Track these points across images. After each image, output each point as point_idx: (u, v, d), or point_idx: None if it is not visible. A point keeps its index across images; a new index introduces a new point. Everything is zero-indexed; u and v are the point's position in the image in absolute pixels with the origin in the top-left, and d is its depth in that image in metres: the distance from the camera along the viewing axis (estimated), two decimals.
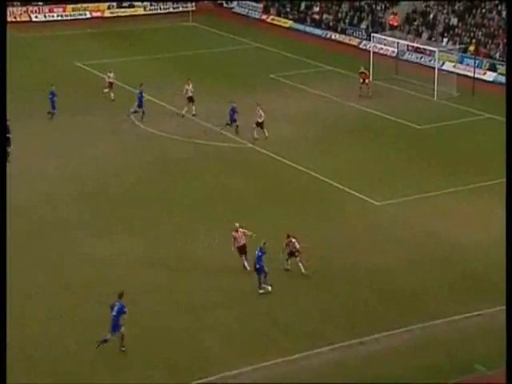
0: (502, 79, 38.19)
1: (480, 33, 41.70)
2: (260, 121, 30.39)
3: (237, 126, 30.86)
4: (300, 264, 20.28)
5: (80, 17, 54.80)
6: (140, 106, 32.44)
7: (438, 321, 18.16)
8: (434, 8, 45.61)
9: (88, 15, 55.15)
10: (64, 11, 54.93)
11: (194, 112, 33.19)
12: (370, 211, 24.36)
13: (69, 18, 54.44)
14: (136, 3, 56.62)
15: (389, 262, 21.08)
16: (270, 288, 19.37)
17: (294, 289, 19.86)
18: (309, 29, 50.15)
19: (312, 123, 32.83)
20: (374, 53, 39.31)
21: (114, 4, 56.30)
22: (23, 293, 19.20)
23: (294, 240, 20.39)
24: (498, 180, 26.13)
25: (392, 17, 45.97)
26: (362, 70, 36.58)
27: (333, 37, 48.27)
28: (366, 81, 36.11)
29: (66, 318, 18.25)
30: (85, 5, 55.27)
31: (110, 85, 35.39)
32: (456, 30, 42.93)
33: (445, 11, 44.79)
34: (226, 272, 20.29)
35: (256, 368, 16.49)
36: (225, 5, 57.97)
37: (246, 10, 55.80)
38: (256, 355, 16.92)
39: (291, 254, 20.47)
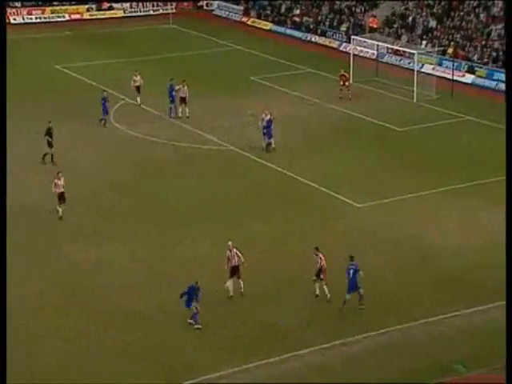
0: (480, 81, 38.69)
1: (458, 35, 42.16)
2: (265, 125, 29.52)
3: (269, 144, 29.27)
4: (325, 287, 19.16)
5: (59, 19, 54.50)
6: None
7: (417, 322, 18.37)
8: (413, 11, 46.03)
9: (67, 17, 54.88)
10: (43, 13, 54.61)
11: (187, 114, 33.24)
12: (351, 213, 24.56)
13: (47, 20, 54.11)
14: (115, 5, 56.45)
15: (369, 264, 21.23)
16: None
17: (276, 292, 19.96)
18: (289, 31, 50.35)
19: (293, 125, 32.98)
20: (354, 55, 39.55)
21: (94, 6, 56.08)
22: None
23: (321, 256, 19.18)
24: (478, 181, 26.51)
25: (372, 19, 46.31)
26: (342, 72, 36.82)
27: (313, 39, 48.51)
28: (347, 83, 36.35)
29: (49, 323, 18.20)
30: (64, 7, 55.00)
31: (137, 89, 34.23)
32: (435, 32, 43.37)
33: (424, 14, 45.22)
34: (211, 276, 20.34)
35: (239, 370, 16.56)
36: (205, 7, 57.97)
37: (227, 13, 55.87)
38: (239, 358, 17.01)
39: (318, 276, 19.22)
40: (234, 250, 19.41)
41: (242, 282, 19.42)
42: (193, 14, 56.43)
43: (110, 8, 56.38)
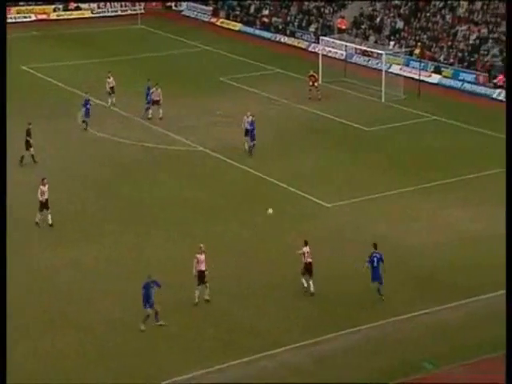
0: (446, 81, 39.19)
1: (425, 36, 42.63)
2: (248, 128, 29.34)
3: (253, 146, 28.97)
4: (311, 282, 19.22)
5: (25, 19, 53.74)
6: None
7: (388, 320, 18.47)
8: (381, 12, 46.40)
9: (33, 18, 54.14)
10: (8, 13, 53.76)
11: (160, 116, 32.98)
12: (320, 213, 24.63)
13: (13, 20, 53.27)
14: (83, 5, 55.86)
15: (339, 263, 21.34)
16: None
17: (247, 292, 19.93)
18: (258, 32, 50.37)
19: (262, 126, 32.89)
20: (322, 55, 39.73)
21: (60, 7, 55.42)
22: None
23: (306, 251, 19.19)
24: (446, 180, 26.82)
25: (340, 20, 46.55)
26: (312, 72, 36.95)
27: (282, 40, 48.60)
28: (316, 83, 36.49)
29: (27, 328, 17.98)
30: (30, 7, 54.25)
31: (111, 90, 33.92)
32: (402, 33, 43.77)
33: (391, 15, 45.61)
34: (180, 277, 20.21)
35: (210, 371, 16.49)
36: (174, 8, 57.71)
37: (195, 13, 55.68)
38: (210, 358, 16.93)
39: (308, 270, 19.23)
40: (204, 254, 19.08)
41: (207, 289, 19.16)
42: (161, 14, 56.13)
43: (78, 8, 55.77)
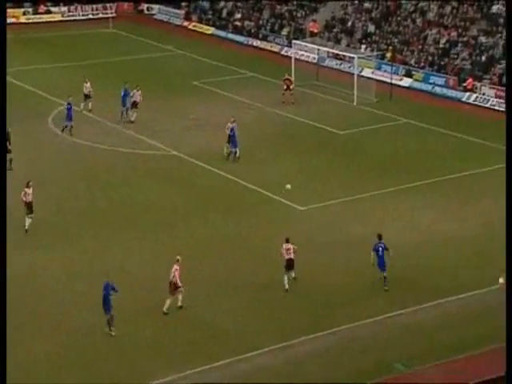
0: (418, 85, 39.73)
1: (396, 40, 43.16)
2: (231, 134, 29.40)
3: (235, 153, 28.91)
4: (292, 275, 19.89)
5: None
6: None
7: (362, 321, 18.73)
8: (352, 15, 46.87)
9: None
10: None
11: (132, 119, 33.23)
12: (294, 216, 24.85)
13: None
14: (53, 9, 55.46)
15: (313, 265, 21.57)
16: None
17: (220, 295, 20.04)
18: (231, 35, 50.53)
19: (237, 130, 33.12)
20: (295, 59, 40.03)
21: (30, 10, 54.97)
22: None
23: (292, 247, 19.91)
24: (418, 182, 27.22)
25: (312, 24, 46.90)
26: (287, 76, 37.17)
27: (254, 43, 48.82)
28: (291, 87, 36.69)
29: None
30: None
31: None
32: (373, 37, 44.27)
33: (362, 19, 46.10)
34: (150, 281, 20.27)
35: (185, 375, 16.56)
36: (146, 11, 57.58)
37: (168, 17, 55.65)
38: (184, 363, 17.00)
39: (289, 267, 19.85)
40: (177, 266, 18.95)
41: (180, 297, 19.12)
42: (133, 18, 55.98)
43: (48, 12, 55.36)
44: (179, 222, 24.30)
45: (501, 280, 19.50)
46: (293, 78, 37.34)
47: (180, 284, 18.93)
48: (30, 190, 23.17)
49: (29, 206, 23.08)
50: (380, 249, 20.49)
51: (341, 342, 17.99)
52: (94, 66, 42.82)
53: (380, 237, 20.76)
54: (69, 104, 31.52)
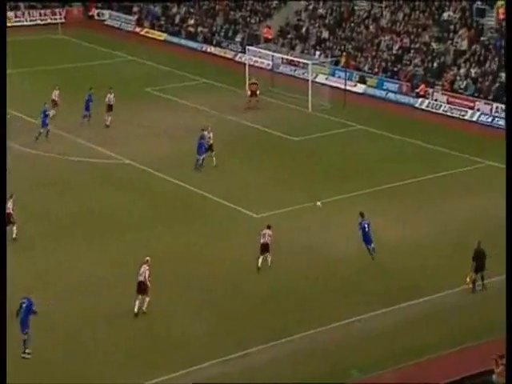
0: (371, 91, 40.44)
1: (350, 46, 43.84)
2: (210, 143, 29.52)
3: (203, 160, 29.07)
4: (269, 259, 21.70)
5: None
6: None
7: (319, 329, 18.96)
8: (306, 21, 47.46)
9: None
10: None
11: (107, 123, 33.43)
12: (248, 224, 25.02)
13: None
14: None
15: (270, 274, 21.77)
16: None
17: (178, 305, 20.07)
18: (184, 42, 50.60)
19: (191, 138, 33.13)
20: (249, 65, 40.32)
21: None
22: None
23: (269, 233, 21.64)
24: (372, 189, 27.67)
25: (266, 30, 47.28)
26: (253, 80, 37.30)
27: (208, 50, 49.00)
28: (258, 91, 36.83)
29: None
30: None
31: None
32: (327, 43, 44.90)
33: (316, 25, 46.72)
34: (106, 291, 20.16)
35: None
36: (96, 17, 57.19)
37: (119, 23, 55.39)
38: (138, 374, 16.97)
39: (265, 249, 21.56)
40: (147, 267, 19.43)
41: (147, 300, 19.40)
42: (83, 23, 55.50)
43: None
44: (134, 230, 24.22)
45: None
46: (258, 83, 37.02)
47: (149, 285, 19.24)
48: (9, 203, 23.19)
49: (8, 218, 23.07)
50: (366, 225, 22.29)
51: (298, 349, 18.18)
52: (43, 74, 42.35)
53: (362, 214, 22.51)
54: (45, 110, 31.86)
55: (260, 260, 21.71)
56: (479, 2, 41.07)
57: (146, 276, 19.28)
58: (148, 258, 19.72)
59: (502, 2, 39.54)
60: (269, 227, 21.98)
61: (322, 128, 34.78)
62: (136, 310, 19.25)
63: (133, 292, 19.52)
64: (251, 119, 35.61)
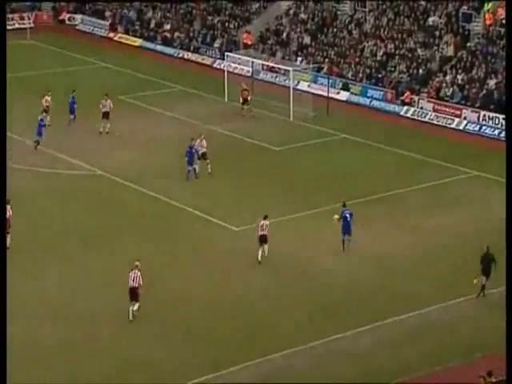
0: (355, 99, 40.77)
1: (332, 52, 44.13)
2: (203, 151, 29.97)
3: (194, 170, 29.68)
4: (266, 249, 23.06)
5: None
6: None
7: (297, 348, 19.01)
8: (287, 27, 47.77)
9: None
10: None
11: (107, 130, 34.17)
12: (228, 237, 25.12)
13: None
14: None
15: (245, 287, 21.86)
16: None
17: (151, 318, 20.04)
18: (160, 47, 50.72)
19: (167, 148, 33.24)
20: (228, 72, 40.54)
21: None
22: None
23: (265, 223, 22.98)
24: (355, 200, 27.73)
25: (245, 35, 47.45)
26: (244, 86, 37.53)
27: (185, 56, 49.15)
28: (249, 98, 37.00)
29: None
30: None
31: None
32: (309, 49, 45.19)
33: (298, 30, 47.03)
34: (69, 310, 20.08)
35: None
36: (67, 22, 57.14)
37: (91, 28, 55.40)
38: None
39: (263, 240, 22.84)
40: (138, 272, 20.07)
41: (138, 305, 20.00)
42: (54, 28, 55.43)
43: None
44: (106, 244, 24.20)
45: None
46: (249, 89, 37.37)
47: (140, 290, 19.90)
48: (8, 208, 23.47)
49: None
50: (348, 215, 23.67)
51: (273, 370, 18.20)
52: (10, 81, 42.09)
53: (344, 204, 24.09)
54: (41, 119, 32.50)
55: (260, 252, 23.00)
56: (465, 7, 41.66)
57: (138, 281, 19.92)
58: (138, 262, 20.28)
59: (489, 7, 40.23)
60: (265, 217, 23.21)
61: (304, 137, 35.03)
62: (131, 316, 19.99)
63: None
64: (230, 128, 35.75)
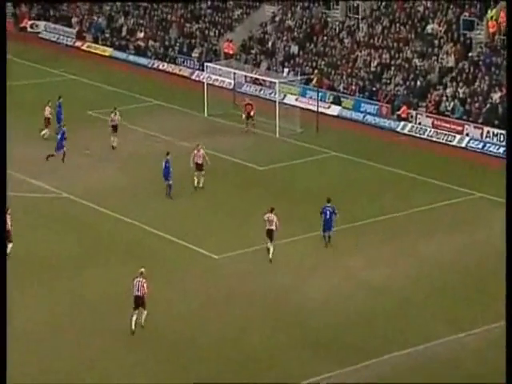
0: (347, 113, 41.30)
1: (322, 62, 44.55)
2: (199, 162, 31.07)
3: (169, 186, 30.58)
4: (271, 247, 24.92)
5: None
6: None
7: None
8: (273, 35, 48.26)
9: None
10: None
11: (114, 144, 35.43)
12: (208, 266, 25.40)
13: None
14: None
15: (226, 318, 22.11)
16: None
17: (126, 359, 20.31)
18: (132, 58, 51.23)
19: (140, 167, 33.58)
20: (207, 84, 41.06)
21: None
22: None
23: (272, 218, 24.73)
24: (347, 225, 28.13)
25: (227, 44, 47.88)
26: (248, 101, 38.11)
27: (161, 66, 49.71)
28: (252, 113, 37.52)
29: None
30: None
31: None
32: (297, 59, 45.65)
33: (284, 38, 47.53)
34: (38, 335, 20.29)
35: None
36: (29, 29, 57.57)
37: (56, 36, 55.86)
38: None
39: (269, 235, 24.70)
40: (143, 279, 21.21)
41: (145, 313, 21.21)
42: (14, 36, 55.52)
43: None
44: (74, 274, 24.41)
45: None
46: (253, 103, 38.02)
47: (146, 298, 21.12)
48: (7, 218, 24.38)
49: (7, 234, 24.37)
50: (328, 212, 25.47)
51: None
52: None
53: (329, 200, 25.93)
54: (62, 132, 33.77)
55: (271, 249, 24.99)
56: (467, 14, 42.42)
57: (143, 290, 21.09)
58: (142, 269, 21.23)
59: (493, 14, 41.03)
60: (271, 210, 25.15)
61: (291, 156, 35.45)
62: (133, 326, 20.83)
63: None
64: (210, 146, 35.90)
